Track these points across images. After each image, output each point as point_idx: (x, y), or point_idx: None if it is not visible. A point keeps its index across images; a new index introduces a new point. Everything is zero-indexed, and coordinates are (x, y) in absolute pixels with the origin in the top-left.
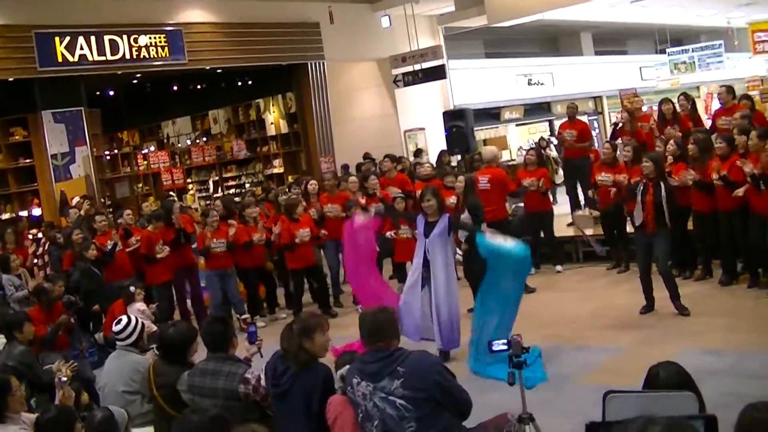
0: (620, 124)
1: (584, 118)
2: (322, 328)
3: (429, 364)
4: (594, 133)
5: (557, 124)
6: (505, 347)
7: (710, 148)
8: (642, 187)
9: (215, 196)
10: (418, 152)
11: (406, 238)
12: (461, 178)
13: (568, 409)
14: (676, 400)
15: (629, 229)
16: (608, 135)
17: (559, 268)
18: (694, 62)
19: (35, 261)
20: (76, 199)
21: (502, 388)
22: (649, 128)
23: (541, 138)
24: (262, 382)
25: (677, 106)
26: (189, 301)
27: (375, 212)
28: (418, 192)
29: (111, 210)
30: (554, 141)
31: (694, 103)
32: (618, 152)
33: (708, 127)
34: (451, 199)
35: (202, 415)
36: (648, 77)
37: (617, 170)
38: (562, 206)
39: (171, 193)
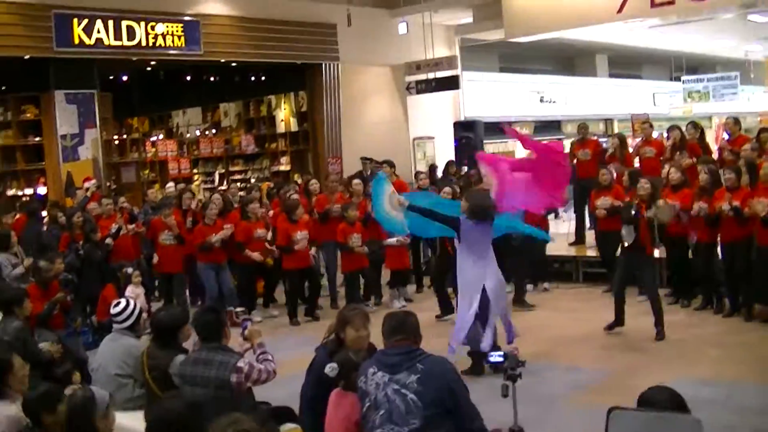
0: (611, 150)
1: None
2: (354, 324)
3: (447, 368)
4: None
5: (566, 143)
6: (501, 359)
7: (719, 180)
8: (636, 209)
9: (220, 188)
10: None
11: (399, 244)
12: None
13: (557, 427)
14: (680, 423)
15: None
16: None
17: (546, 285)
18: (708, 92)
19: None
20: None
21: (496, 400)
22: (654, 154)
23: None
24: (255, 368)
25: (686, 134)
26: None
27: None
28: None
29: (115, 194)
30: None
31: (702, 132)
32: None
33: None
34: None
35: (178, 401)
36: (661, 103)
37: (614, 193)
38: (561, 225)
39: (171, 182)
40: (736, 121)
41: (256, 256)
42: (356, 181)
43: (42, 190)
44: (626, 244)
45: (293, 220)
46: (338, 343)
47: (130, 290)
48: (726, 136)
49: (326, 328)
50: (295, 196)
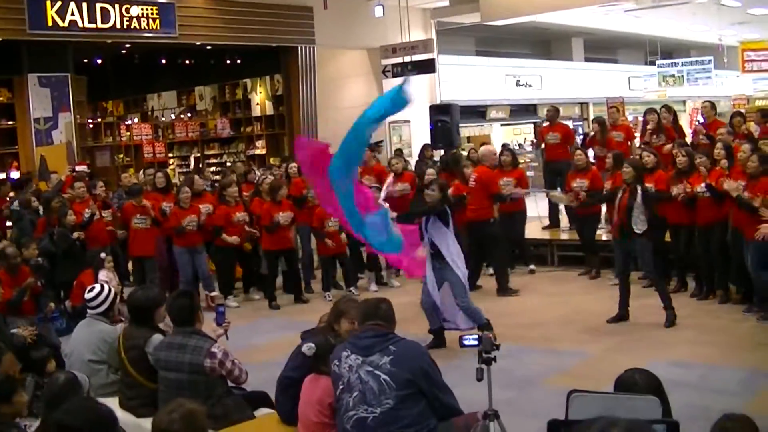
0: (591, 134)
1: (569, 123)
2: (349, 315)
3: (420, 351)
4: (578, 138)
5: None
6: (476, 342)
7: (694, 162)
8: (621, 193)
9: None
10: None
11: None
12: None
13: (533, 409)
14: (639, 404)
15: (605, 237)
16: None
17: (532, 266)
18: (682, 76)
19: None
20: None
21: (470, 384)
22: (622, 138)
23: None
24: (229, 357)
25: (661, 117)
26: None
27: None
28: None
29: (90, 178)
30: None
31: (675, 116)
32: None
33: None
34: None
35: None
36: (636, 87)
37: (590, 176)
38: (534, 210)
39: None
40: (713, 105)
41: (233, 239)
42: None
43: (15, 175)
44: (639, 232)
45: (276, 201)
46: (331, 333)
47: (102, 275)
48: (701, 120)
49: (313, 312)
50: (269, 180)
